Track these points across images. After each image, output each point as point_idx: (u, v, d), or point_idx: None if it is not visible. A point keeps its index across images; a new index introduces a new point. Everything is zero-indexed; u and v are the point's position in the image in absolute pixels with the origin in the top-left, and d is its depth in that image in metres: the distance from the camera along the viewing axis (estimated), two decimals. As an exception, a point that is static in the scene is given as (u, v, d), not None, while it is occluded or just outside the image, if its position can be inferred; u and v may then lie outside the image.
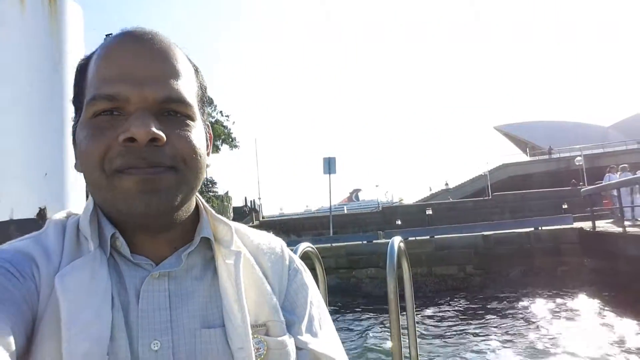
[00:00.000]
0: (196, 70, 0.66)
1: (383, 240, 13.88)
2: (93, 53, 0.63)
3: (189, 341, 0.58)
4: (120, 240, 0.60)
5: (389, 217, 25.35)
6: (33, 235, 0.62)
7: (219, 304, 0.61)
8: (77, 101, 0.63)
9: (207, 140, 0.65)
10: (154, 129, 0.55)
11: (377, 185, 43.66)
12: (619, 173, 12.71)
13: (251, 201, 37.80)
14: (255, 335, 0.61)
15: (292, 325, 0.65)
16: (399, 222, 21.96)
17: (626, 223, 9.77)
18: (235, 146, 31.75)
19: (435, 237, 13.29)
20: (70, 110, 1.75)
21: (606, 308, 8.59)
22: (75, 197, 1.76)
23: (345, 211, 35.70)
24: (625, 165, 13.07)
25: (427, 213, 21.81)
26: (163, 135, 0.56)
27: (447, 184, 39.44)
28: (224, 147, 31.24)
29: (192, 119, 0.61)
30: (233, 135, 31.59)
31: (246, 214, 32.87)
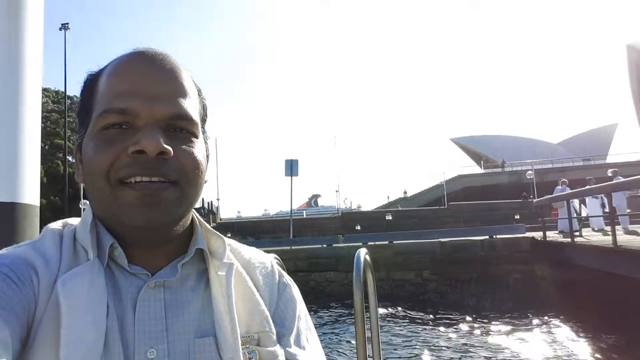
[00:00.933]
0: (199, 91, 0.69)
1: (343, 244, 13.97)
2: (102, 69, 0.66)
3: (184, 350, 0.59)
4: (119, 250, 0.61)
5: (348, 222, 25.56)
6: (30, 243, 0.62)
7: (212, 314, 0.63)
8: (84, 115, 0.65)
9: (206, 158, 0.68)
10: (163, 143, 0.58)
11: (337, 191, 43.84)
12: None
13: (209, 203, 37.13)
14: (248, 346, 0.62)
15: (281, 337, 0.67)
16: (358, 228, 22.20)
17: (575, 233, 10.27)
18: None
19: (394, 242, 13.49)
20: (28, 104, 1.64)
21: (552, 312, 8.99)
22: (29, 191, 1.64)
23: (305, 216, 35.67)
24: (565, 180, 13.76)
25: (387, 218, 22.19)
26: (171, 149, 0.59)
27: (405, 192, 40.35)
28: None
29: (196, 136, 0.64)
30: None
31: (203, 215, 32.16)
